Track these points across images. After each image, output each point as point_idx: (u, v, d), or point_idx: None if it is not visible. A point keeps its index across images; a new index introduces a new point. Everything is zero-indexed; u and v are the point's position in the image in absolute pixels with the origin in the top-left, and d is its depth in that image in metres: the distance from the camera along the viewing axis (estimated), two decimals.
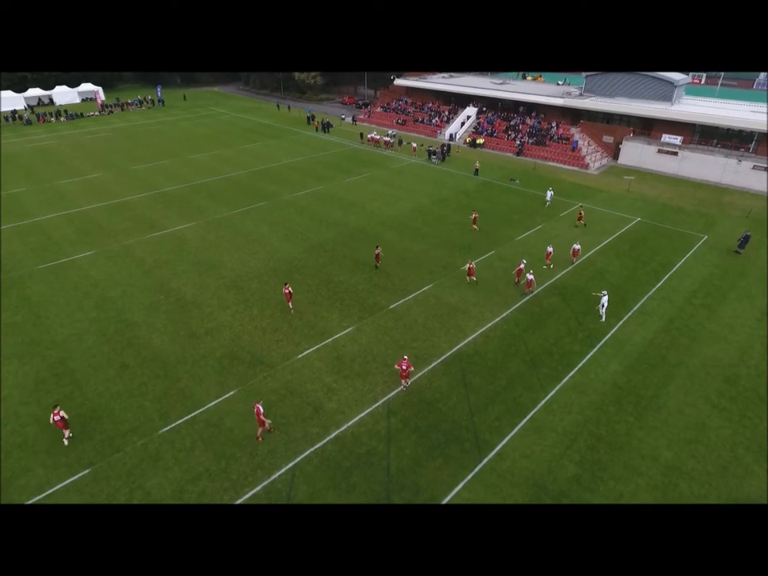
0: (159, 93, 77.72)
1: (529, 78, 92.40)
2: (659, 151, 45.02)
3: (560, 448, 15.71)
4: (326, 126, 58.45)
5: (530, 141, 50.82)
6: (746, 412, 17.30)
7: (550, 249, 26.62)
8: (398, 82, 66.01)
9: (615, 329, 21.72)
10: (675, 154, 44.16)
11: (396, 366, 17.68)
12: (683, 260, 28.16)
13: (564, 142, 48.93)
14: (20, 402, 17.34)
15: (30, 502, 13.79)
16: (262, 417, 15.52)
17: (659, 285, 25.44)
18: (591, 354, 20.13)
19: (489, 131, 54.29)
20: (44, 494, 14.01)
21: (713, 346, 20.76)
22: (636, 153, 46.49)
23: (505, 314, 22.69)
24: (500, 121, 55.20)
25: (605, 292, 22.28)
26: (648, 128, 47.05)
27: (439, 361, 19.65)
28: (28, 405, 17.23)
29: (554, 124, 51.24)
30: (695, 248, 29.76)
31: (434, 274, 26.20)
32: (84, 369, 19.02)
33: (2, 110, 67.50)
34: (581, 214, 32.85)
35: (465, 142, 54.33)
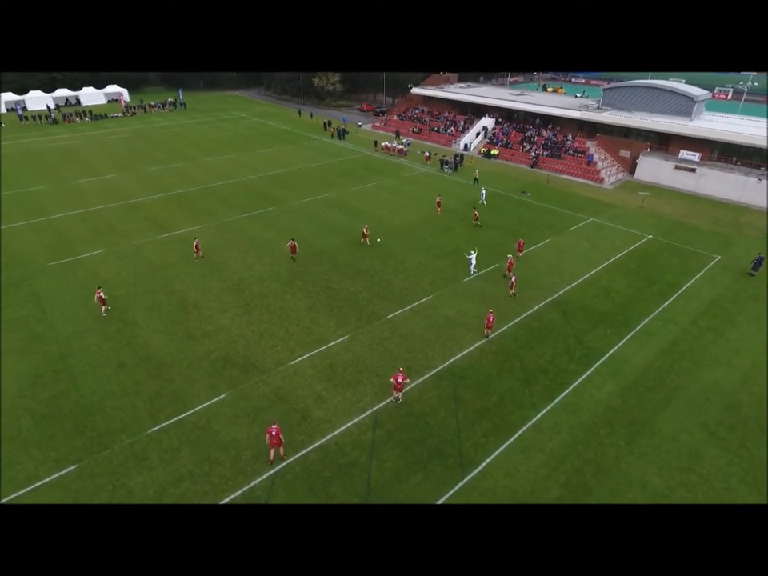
0: (181, 96, 79.50)
1: (549, 89, 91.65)
2: (676, 167, 44.17)
3: (546, 469, 15.40)
4: (342, 133, 58.95)
5: (545, 153, 50.39)
6: (745, 441, 16.71)
7: (490, 316, 21.14)
8: (415, 90, 66.22)
9: (615, 349, 21.26)
10: (693, 170, 43.27)
11: (391, 380, 17.43)
12: (692, 280, 27.46)
13: (579, 155, 48.37)
14: (17, 396, 17.78)
15: (17, 494, 14.10)
16: (281, 437, 15.14)
17: (665, 305, 24.83)
18: (587, 373, 19.73)
19: (504, 142, 54.05)
20: (31, 487, 14.32)
21: (715, 371, 20.15)
22: (653, 168, 45.70)
23: (503, 329, 22.43)
24: (515, 132, 54.90)
25: (472, 252, 26.90)
26: (666, 143, 46.23)
27: (431, 374, 19.50)
28: (24, 398, 17.66)
29: (569, 137, 50.75)
30: (707, 268, 29.02)
31: (435, 285, 26.07)
32: (82, 366, 19.43)
33: (32, 108, 70.05)
34: (475, 214, 33.89)
35: (479, 153, 54.14)
